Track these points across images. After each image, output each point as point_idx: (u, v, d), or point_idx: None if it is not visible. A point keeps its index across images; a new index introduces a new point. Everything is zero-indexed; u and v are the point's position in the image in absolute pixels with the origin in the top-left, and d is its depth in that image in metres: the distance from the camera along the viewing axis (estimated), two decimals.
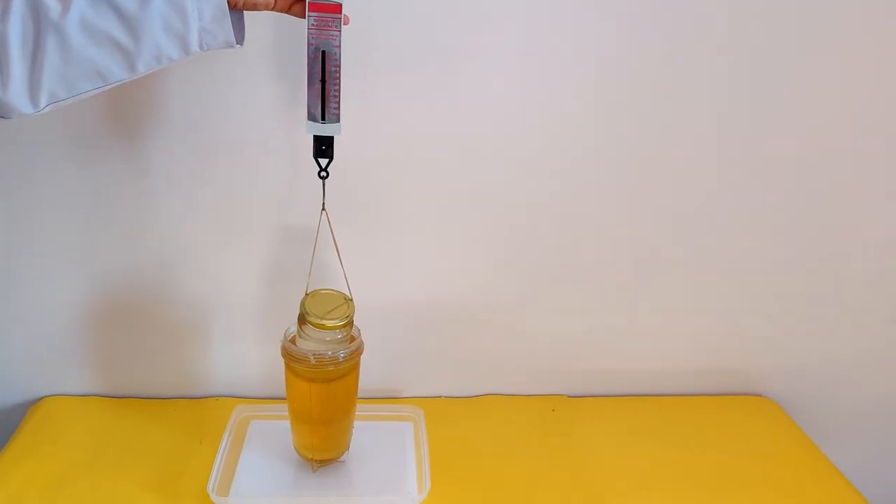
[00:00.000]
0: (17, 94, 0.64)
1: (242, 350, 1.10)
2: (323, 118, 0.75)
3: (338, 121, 0.76)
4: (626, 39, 0.96)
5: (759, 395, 1.22)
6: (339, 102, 0.75)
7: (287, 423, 0.96)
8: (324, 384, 0.88)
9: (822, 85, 1.01)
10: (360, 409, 0.97)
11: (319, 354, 0.86)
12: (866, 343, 1.20)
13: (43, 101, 0.65)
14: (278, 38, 0.90)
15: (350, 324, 0.87)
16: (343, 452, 0.97)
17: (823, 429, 1.19)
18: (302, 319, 0.86)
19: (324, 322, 0.85)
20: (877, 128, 1.04)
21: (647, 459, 1.04)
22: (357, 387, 0.93)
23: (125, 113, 0.93)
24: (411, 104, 0.96)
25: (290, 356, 0.87)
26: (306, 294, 0.88)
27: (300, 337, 0.88)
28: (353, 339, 0.89)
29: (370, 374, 0.95)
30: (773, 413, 1.18)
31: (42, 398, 1.10)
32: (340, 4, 0.72)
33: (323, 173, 0.81)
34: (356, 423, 0.97)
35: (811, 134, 1.04)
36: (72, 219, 0.99)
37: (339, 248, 0.87)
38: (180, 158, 0.97)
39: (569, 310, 1.13)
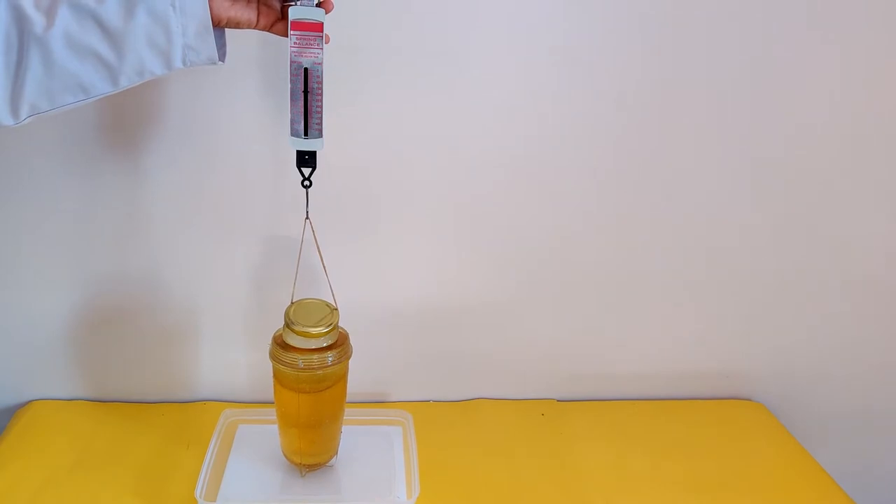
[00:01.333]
0: None
1: (230, 354, 1.10)
2: (306, 134, 0.77)
3: (320, 136, 0.78)
4: (619, 42, 0.97)
5: (748, 399, 1.23)
6: (321, 118, 0.77)
7: (275, 428, 0.96)
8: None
9: (813, 90, 1.02)
10: (349, 413, 0.97)
11: (307, 358, 0.86)
12: (855, 347, 1.21)
13: (24, 113, 0.66)
14: (266, 52, 0.91)
15: (334, 331, 0.88)
16: (332, 457, 0.97)
17: (812, 432, 1.20)
18: (286, 328, 0.87)
19: (308, 330, 0.85)
20: (870, 133, 1.06)
21: (636, 463, 1.05)
22: (346, 391, 0.93)
23: (115, 123, 0.95)
24: (397, 106, 0.97)
25: (278, 360, 0.87)
26: (291, 303, 0.89)
27: (286, 342, 0.88)
28: (340, 343, 0.89)
29: (358, 378, 0.95)
30: (761, 416, 1.19)
31: (29, 402, 1.10)
32: (322, 23, 0.73)
33: (306, 182, 0.82)
34: (344, 428, 0.97)
35: (804, 138, 1.05)
36: (59, 224, 1.00)
37: (323, 256, 0.89)
38: (169, 166, 0.98)
39: (558, 314, 1.13)
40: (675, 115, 1.01)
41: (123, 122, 0.94)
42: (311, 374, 0.88)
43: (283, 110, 0.78)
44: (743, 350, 1.20)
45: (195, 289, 1.06)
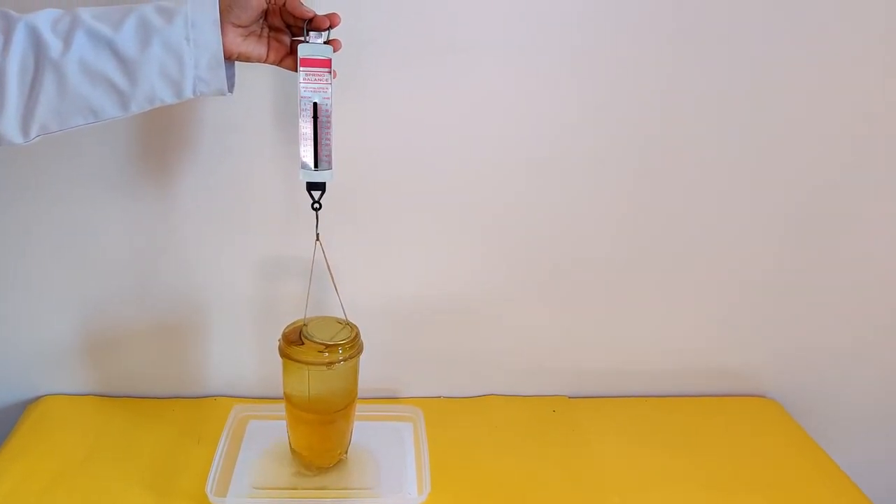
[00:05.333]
0: (9, 124, 0.67)
1: (241, 350, 1.12)
2: (316, 166, 0.80)
3: (330, 167, 0.81)
4: (628, 37, 0.97)
5: (762, 397, 1.24)
6: (331, 151, 0.80)
7: (285, 423, 0.96)
8: (322, 376, 0.90)
9: (821, 85, 1.02)
10: (359, 409, 0.98)
11: (318, 355, 0.88)
12: (870, 344, 1.22)
13: (33, 132, 0.69)
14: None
15: (353, 344, 0.90)
16: (342, 453, 0.97)
17: (827, 430, 1.20)
18: (305, 339, 0.90)
19: (327, 342, 0.89)
20: (876, 128, 1.06)
21: (648, 461, 1.06)
22: (356, 387, 0.95)
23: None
24: (406, 102, 0.98)
25: (289, 357, 0.88)
26: (305, 323, 0.92)
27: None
28: (351, 339, 0.89)
29: (369, 374, 0.96)
30: (775, 414, 1.20)
31: (40, 397, 1.12)
32: (330, 59, 0.77)
33: (316, 205, 0.85)
34: (355, 423, 0.97)
35: (811, 132, 1.05)
36: (71, 220, 1.01)
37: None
38: (184, 169, 0.99)
39: (570, 310, 1.14)
40: (681, 113, 1.02)
41: (145, 129, 0.96)
42: (319, 398, 0.90)
43: (297, 128, 0.80)
44: (757, 347, 1.20)
45: (207, 284, 1.07)
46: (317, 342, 0.89)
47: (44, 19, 0.67)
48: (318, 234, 0.87)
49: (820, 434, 1.15)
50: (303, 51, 0.76)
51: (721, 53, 0.98)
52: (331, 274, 0.90)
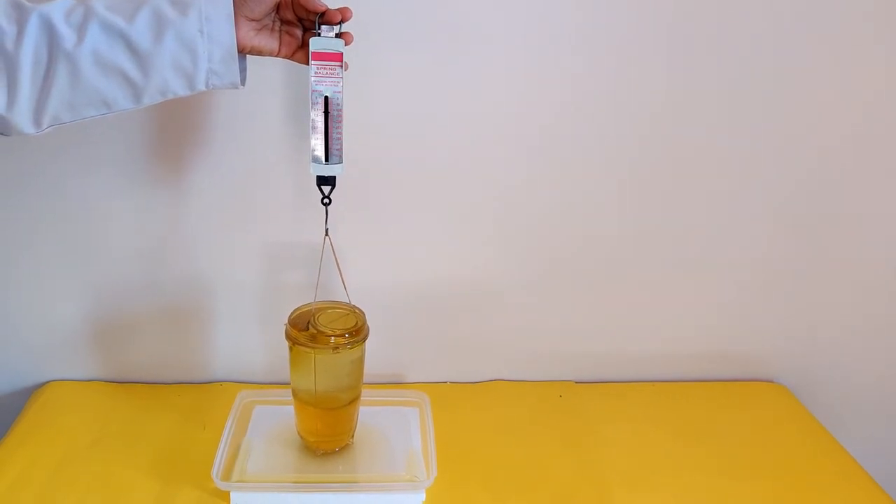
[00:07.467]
0: (21, 114, 0.68)
1: (246, 335, 1.13)
2: (326, 160, 0.81)
3: (341, 161, 0.82)
4: (635, 23, 0.97)
5: (770, 382, 1.24)
6: (341, 144, 0.81)
7: (291, 409, 0.96)
8: (329, 362, 0.91)
9: (829, 76, 1.02)
10: (366, 394, 0.99)
11: (324, 340, 0.89)
12: (878, 328, 1.22)
13: (45, 122, 0.69)
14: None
15: (359, 329, 0.90)
16: (349, 438, 0.97)
17: (835, 415, 1.21)
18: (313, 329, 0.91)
19: (333, 327, 0.89)
20: (882, 118, 1.06)
21: (655, 446, 1.06)
22: (362, 371, 0.95)
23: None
24: (415, 86, 0.98)
25: (295, 341, 0.88)
26: (311, 308, 0.93)
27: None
28: (358, 325, 0.89)
29: (375, 359, 0.97)
30: (784, 399, 1.20)
31: (46, 383, 1.13)
32: (341, 53, 0.78)
33: (326, 200, 0.85)
34: (361, 408, 0.97)
35: (820, 121, 1.05)
36: (79, 208, 1.02)
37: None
38: (193, 155, 1.00)
39: (576, 295, 1.15)
40: (690, 101, 1.02)
41: (153, 120, 0.97)
42: (326, 385, 0.91)
43: (307, 121, 0.81)
44: (765, 332, 1.21)
45: (212, 269, 1.08)
46: (323, 327, 0.89)
47: (57, 9, 0.67)
48: (326, 230, 0.88)
49: (828, 419, 1.16)
50: (314, 44, 0.77)
51: (724, 47, 0.99)
52: (339, 268, 0.91)
